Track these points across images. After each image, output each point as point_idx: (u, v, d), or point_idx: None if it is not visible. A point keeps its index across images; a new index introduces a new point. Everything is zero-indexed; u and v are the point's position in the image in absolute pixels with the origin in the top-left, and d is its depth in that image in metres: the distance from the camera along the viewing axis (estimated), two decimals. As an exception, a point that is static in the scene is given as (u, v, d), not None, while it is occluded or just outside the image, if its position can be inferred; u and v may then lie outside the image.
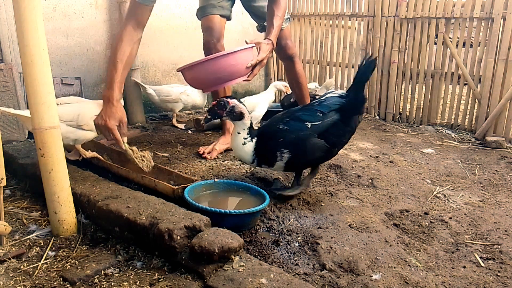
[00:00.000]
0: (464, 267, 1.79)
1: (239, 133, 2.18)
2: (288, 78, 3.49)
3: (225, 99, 2.15)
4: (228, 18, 3.10)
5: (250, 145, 2.18)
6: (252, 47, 2.44)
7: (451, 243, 1.97)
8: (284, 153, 2.14)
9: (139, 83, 3.63)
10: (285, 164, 2.20)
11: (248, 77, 2.41)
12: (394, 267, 1.75)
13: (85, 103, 2.39)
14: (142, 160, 2.31)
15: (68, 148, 2.48)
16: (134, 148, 2.30)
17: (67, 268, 1.64)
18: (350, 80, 4.56)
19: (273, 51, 2.86)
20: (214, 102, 2.17)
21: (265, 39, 2.55)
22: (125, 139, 2.23)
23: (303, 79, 3.41)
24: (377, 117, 4.41)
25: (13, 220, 2.03)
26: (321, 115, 2.16)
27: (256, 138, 2.20)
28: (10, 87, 2.78)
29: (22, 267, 1.65)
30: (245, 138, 2.17)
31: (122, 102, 2.23)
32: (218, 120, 2.63)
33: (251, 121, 2.20)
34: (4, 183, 1.74)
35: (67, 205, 1.86)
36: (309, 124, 2.14)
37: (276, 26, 2.60)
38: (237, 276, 1.47)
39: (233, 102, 2.15)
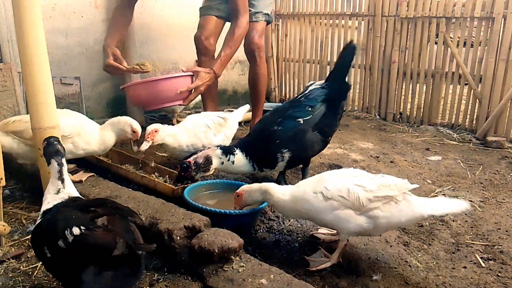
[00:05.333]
0: (465, 267, 1.78)
1: (222, 163, 2.16)
2: (249, 76, 3.47)
3: (184, 161, 2.10)
4: (226, 19, 3.13)
5: (238, 158, 2.16)
6: (189, 75, 2.72)
7: (451, 244, 1.96)
8: (285, 153, 2.15)
9: None
10: (287, 163, 2.20)
11: (183, 101, 2.72)
12: (395, 268, 1.75)
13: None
14: (143, 66, 2.89)
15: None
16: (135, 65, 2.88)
17: (67, 268, 1.63)
18: (351, 79, 4.55)
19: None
20: (178, 169, 2.12)
21: (209, 67, 2.79)
22: (125, 63, 2.83)
23: (260, 83, 3.36)
24: (378, 117, 4.40)
25: (12, 220, 2.02)
26: (310, 109, 2.19)
27: (238, 148, 2.17)
28: (9, 87, 2.77)
29: (21, 267, 1.64)
30: (229, 160, 2.15)
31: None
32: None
33: (219, 146, 2.18)
34: (3, 183, 1.73)
35: (67, 205, 1.86)
36: (301, 120, 2.16)
37: (223, 55, 2.82)
38: (237, 276, 1.46)
39: (192, 159, 2.10)
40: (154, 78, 2.66)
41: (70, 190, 1.47)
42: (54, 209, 1.37)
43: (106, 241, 1.16)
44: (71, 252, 1.20)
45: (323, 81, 2.31)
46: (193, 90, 2.72)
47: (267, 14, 3.27)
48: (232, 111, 4.18)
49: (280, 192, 1.76)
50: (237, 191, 1.84)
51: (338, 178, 1.68)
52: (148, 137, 2.32)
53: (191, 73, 2.75)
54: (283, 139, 2.14)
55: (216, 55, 3.14)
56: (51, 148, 1.48)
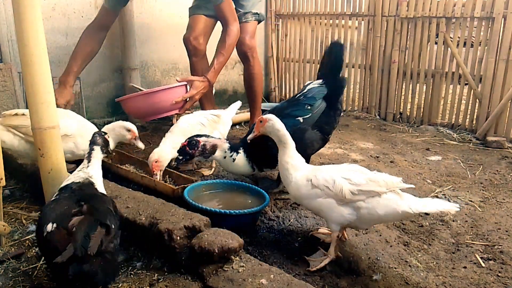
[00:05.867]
0: (465, 267, 1.78)
1: (224, 157, 2.18)
2: (244, 77, 3.49)
3: (195, 138, 2.13)
4: (216, 18, 3.13)
5: (240, 157, 2.18)
6: (184, 85, 2.73)
7: (451, 244, 1.96)
8: None
9: (136, 87, 3.61)
10: None
11: (179, 111, 2.74)
12: (395, 268, 1.74)
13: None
14: None
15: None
16: None
17: (67, 268, 1.63)
18: (351, 79, 4.56)
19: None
20: (184, 142, 2.15)
21: (203, 76, 2.80)
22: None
23: (256, 84, 3.39)
24: (378, 117, 4.40)
25: (12, 220, 2.02)
26: (309, 107, 2.20)
27: (241, 148, 2.19)
28: (9, 87, 2.77)
29: (21, 267, 1.64)
30: (231, 156, 2.18)
31: (74, 88, 2.91)
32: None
33: (229, 141, 2.21)
34: (3, 183, 1.73)
35: (67, 205, 1.85)
36: (301, 119, 2.17)
37: (216, 63, 2.83)
38: (237, 276, 1.46)
39: (203, 140, 2.13)
40: (149, 91, 2.69)
41: (91, 171, 1.63)
42: (63, 192, 1.52)
43: (59, 245, 1.27)
44: (45, 242, 1.35)
45: (320, 80, 2.32)
46: (188, 99, 2.74)
47: (257, 13, 3.26)
48: (232, 111, 4.16)
49: (295, 166, 1.80)
50: (263, 116, 1.84)
51: (331, 170, 1.74)
52: (154, 171, 2.31)
53: (186, 83, 2.76)
54: None
55: (208, 55, 3.16)
56: (91, 138, 1.72)
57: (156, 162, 2.31)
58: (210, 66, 2.84)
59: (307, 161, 2.39)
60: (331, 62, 2.27)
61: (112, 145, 2.31)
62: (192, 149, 2.11)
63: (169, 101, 2.67)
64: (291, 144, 1.82)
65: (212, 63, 2.84)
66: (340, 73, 2.30)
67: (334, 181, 1.67)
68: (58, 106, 2.42)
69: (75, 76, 2.87)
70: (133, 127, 2.34)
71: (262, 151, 2.18)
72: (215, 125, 2.59)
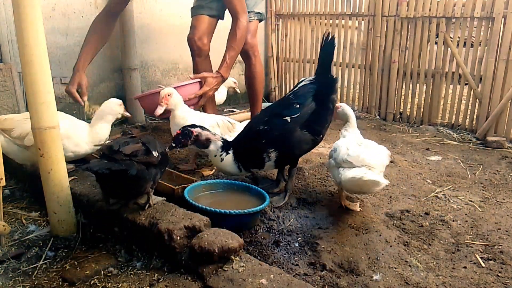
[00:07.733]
0: (465, 267, 1.78)
1: (215, 155, 2.16)
2: (245, 76, 3.52)
3: (189, 128, 2.12)
4: (219, 17, 3.14)
5: (228, 158, 2.15)
6: (198, 81, 2.72)
7: (451, 244, 1.96)
8: (271, 153, 2.12)
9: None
10: (275, 163, 2.18)
11: (194, 107, 2.72)
12: (395, 268, 1.75)
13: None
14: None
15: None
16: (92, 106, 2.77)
17: (67, 268, 1.63)
18: (351, 79, 4.56)
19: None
20: (178, 131, 2.14)
21: (216, 71, 2.79)
22: (85, 98, 2.76)
23: (257, 82, 3.40)
24: (378, 117, 4.40)
25: (12, 220, 2.02)
26: (298, 106, 2.15)
27: (232, 148, 2.17)
28: (10, 87, 2.77)
29: (21, 267, 1.65)
30: (220, 155, 2.15)
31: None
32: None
33: (222, 138, 2.19)
34: (3, 183, 1.73)
35: (67, 205, 1.86)
36: (288, 119, 2.12)
37: (228, 57, 2.80)
38: (237, 276, 1.46)
39: (197, 131, 2.11)
40: (160, 89, 2.63)
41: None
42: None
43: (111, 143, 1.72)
44: None
45: (312, 77, 2.29)
46: (201, 96, 2.73)
47: (259, 13, 3.28)
48: (233, 110, 4.19)
49: (345, 135, 2.27)
50: (337, 104, 2.28)
51: (354, 141, 2.15)
52: (162, 102, 2.37)
53: (199, 80, 2.75)
54: (269, 139, 2.11)
55: (210, 54, 3.16)
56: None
57: (169, 95, 2.38)
58: (222, 61, 2.80)
59: (295, 163, 2.36)
60: (322, 58, 2.25)
61: (107, 131, 2.32)
62: (184, 139, 2.09)
63: (183, 98, 2.61)
64: (353, 124, 2.29)
65: (224, 58, 2.81)
66: (330, 69, 2.28)
67: (339, 148, 2.06)
68: (68, 91, 2.70)
69: (84, 60, 2.83)
70: (119, 101, 2.37)
71: (248, 152, 2.15)
72: (227, 131, 2.59)
